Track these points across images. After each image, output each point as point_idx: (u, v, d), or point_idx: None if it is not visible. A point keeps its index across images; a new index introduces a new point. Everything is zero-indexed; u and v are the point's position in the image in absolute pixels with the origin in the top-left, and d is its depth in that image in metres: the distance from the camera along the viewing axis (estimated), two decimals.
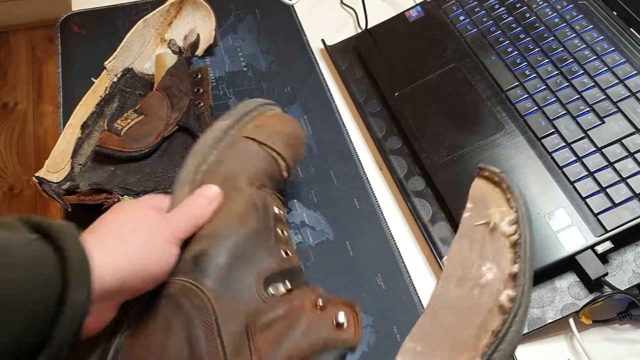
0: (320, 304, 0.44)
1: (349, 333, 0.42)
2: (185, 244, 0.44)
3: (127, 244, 0.38)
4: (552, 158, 0.60)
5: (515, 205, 0.40)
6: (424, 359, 0.33)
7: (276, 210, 0.50)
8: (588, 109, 0.62)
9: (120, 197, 0.56)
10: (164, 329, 0.40)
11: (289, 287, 0.45)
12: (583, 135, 0.60)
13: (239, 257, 0.44)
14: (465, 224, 0.40)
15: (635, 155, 0.58)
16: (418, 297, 0.57)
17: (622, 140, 0.59)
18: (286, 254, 0.47)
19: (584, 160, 0.59)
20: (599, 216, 0.55)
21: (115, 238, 0.39)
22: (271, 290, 0.44)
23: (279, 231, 0.48)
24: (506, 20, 0.72)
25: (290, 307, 0.44)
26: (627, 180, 0.57)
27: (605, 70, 0.64)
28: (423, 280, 0.59)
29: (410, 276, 0.58)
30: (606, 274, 0.54)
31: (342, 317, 0.43)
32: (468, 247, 0.39)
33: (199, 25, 0.75)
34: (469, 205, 0.41)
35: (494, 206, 0.41)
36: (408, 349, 0.34)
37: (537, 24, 0.70)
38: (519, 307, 0.36)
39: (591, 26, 0.68)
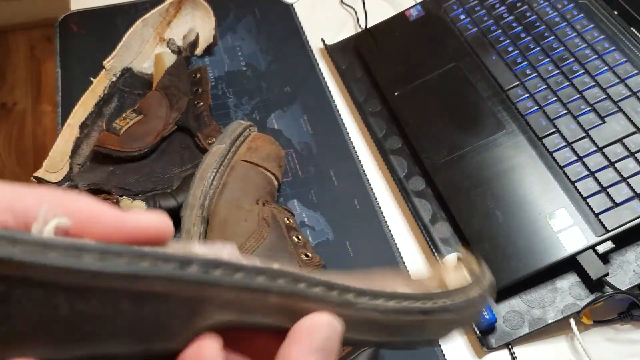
0: None
1: None
2: None
3: None
4: (553, 158, 0.60)
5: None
6: None
7: (286, 220, 0.54)
8: (589, 108, 0.62)
9: (118, 197, 0.56)
10: None
11: None
12: (584, 134, 0.60)
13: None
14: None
15: (636, 154, 0.58)
16: None
17: (623, 140, 0.59)
18: (306, 256, 0.52)
19: (585, 160, 0.59)
20: (599, 216, 0.55)
21: None
22: None
23: (294, 237, 0.53)
24: (507, 20, 0.71)
25: None
26: (628, 180, 0.56)
27: (606, 69, 0.64)
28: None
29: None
30: (607, 274, 0.53)
31: None
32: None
33: (198, 24, 0.75)
34: None
35: None
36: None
37: (538, 23, 0.70)
38: None
39: (592, 25, 0.68)
